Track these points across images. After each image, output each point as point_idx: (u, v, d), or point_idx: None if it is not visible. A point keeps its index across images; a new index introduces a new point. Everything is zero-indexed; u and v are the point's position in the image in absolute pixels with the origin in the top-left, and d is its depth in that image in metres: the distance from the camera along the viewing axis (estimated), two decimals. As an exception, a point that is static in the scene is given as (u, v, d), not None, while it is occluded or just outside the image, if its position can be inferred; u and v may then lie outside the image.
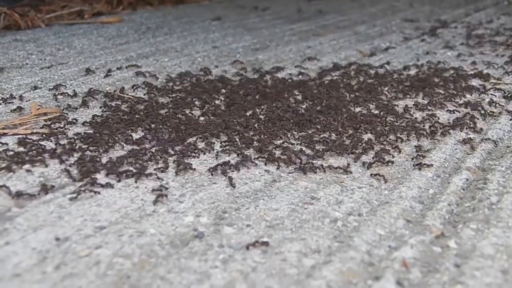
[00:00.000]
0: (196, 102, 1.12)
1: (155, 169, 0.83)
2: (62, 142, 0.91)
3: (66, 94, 1.16)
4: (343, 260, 0.63)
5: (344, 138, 0.95)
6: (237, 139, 0.94)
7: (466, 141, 0.96)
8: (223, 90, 1.21)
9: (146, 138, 0.93)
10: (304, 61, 1.50)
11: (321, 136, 0.96)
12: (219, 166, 0.83)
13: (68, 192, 0.75)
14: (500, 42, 1.76)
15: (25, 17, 1.88)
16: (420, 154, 0.90)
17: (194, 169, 0.83)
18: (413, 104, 1.13)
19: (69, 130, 0.97)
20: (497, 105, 1.15)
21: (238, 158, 0.87)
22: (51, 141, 0.91)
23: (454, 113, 1.09)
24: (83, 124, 1.00)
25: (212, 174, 0.82)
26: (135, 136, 0.94)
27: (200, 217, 0.71)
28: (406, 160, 0.90)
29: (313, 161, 0.87)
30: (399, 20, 2.20)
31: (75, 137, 0.93)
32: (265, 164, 0.87)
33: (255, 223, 0.70)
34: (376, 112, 1.09)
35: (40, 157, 0.85)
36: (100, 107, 1.09)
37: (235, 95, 1.17)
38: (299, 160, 0.86)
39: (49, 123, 0.99)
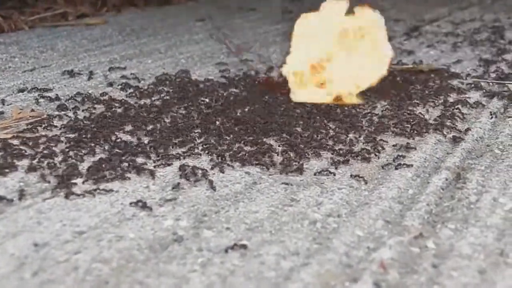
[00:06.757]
0: (179, 105, 1.11)
1: (135, 173, 0.83)
2: (42, 146, 0.91)
3: (48, 97, 1.16)
4: (321, 262, 0.63)
5: (326, 138, 0.96)
6: (218, 142, 0.94)
7: (446, 140, 0.97)
8: (207, 92, 1.21)
9: (127, 141, 0.93)
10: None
11: (303, 137, 0.96)
12: (199, 169, 0.84)
13: (47, 197, 0.75)
14: (483, 41, 1.77)
15: (8, 19, 1.87)
16: (400, 154, 0.91)
17: (174, 171, 0.83)
18: (394, 104, 1.14)
19: (51, 134, 0.96)
20: (478, 104, 1.16)
21: (219, 160, 0.87)
22: (31, 145, 0.91)
23: (434, 112, 1.09)
24: (64, 127, 0.99)
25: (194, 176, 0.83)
26: (117, 139, 0.94)
27: (180, 221, 0.71)
28: (387, 160, 0.90)
29: (294, 163, 0.87)
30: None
31: (56, 141, 0.92)
32: (253, 165, 0.87)
33: (235, 226, 0.70)
34: (356, 111, 1.09)
35: (20, 162, 0.84)
36: (82, 110, 1.08)
37: (218, 97, 1.17)
38: (280, 162, 0.87)
39: (31, 127, 0.99)
